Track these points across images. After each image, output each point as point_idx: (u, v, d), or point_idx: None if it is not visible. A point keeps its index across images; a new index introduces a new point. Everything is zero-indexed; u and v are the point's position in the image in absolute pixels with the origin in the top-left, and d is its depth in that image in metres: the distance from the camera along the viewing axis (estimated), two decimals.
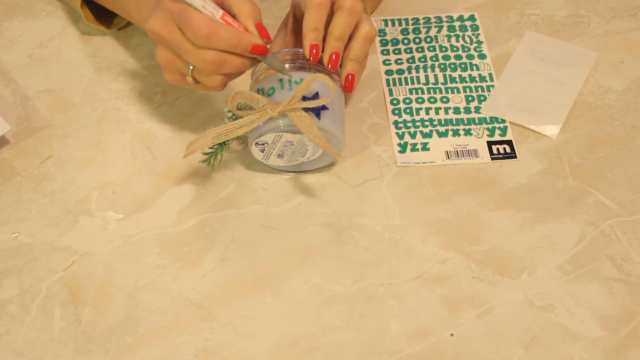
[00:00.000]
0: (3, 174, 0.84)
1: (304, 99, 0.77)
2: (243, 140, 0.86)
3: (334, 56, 0.78)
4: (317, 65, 0.79)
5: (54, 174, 0.84)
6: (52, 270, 0.78)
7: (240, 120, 0.77)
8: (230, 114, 0.80)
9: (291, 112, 0.76)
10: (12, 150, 0.86)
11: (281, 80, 0.78)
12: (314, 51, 0.78)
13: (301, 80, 0.76)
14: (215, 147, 0.81)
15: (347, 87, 0.81)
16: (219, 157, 0.82)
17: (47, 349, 0.73)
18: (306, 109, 0.76)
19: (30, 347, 0.73)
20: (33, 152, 0.86)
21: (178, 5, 0.74)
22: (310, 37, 0.78)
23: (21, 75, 0.92)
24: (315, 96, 0.77)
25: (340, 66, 0.81)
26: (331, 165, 0.84)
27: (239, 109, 0.78)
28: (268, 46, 0.76)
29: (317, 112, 0.77)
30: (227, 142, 0.81)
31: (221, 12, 0.75)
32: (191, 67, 0.77)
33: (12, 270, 0.78)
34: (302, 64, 0.79)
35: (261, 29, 0.76)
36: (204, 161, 0.82)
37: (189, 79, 0.77)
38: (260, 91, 0.79)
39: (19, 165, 0.85)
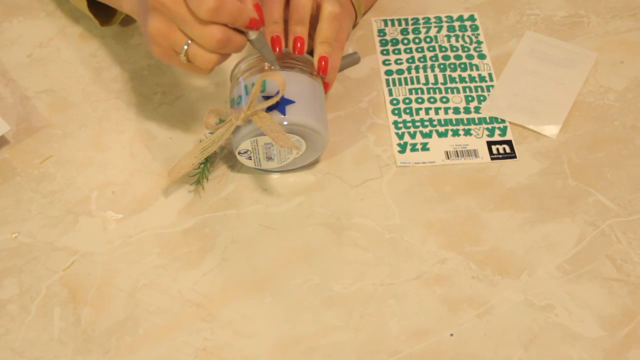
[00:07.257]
0: (3, 174, 0.84)
1: (267, 98, 0.76)
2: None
3: (299, 44, 0.78)
4: (294, 61, 0.79)
5: (53, 174, 0.84)
6: (52, 270, 0.78)
7: (212, 136, 0.78)
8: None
9: (253, 115, 0.75)
10: (12, 150, 0.86)
11: (245, 86, 0.78)
12: (278, 42, 0.78)
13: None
14: (201, 165, 0.81)
15: (322, 71, 0.80)
16: (205, 173, 0.82)
17: (47, 349, 0.73)
18: (272, 107, 0.76)
19: (30, 347, 0.73)
20: (33, 152, 0.86)
21: None
22: (270, 30, 0.78)
23: (21, 75, 0.92)
24: (278, 94, 0.76)
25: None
26: (317, 161, 0.83)
27: (217, 124, 0.78)
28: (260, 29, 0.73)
29: (282, 108, 0.76)
30: (209, 159, 0.82)
31: None
32: (185, 47, 0.72)
33: (12, 270, 0.78)
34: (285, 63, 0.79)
35: (259, 9, 0.73)
36: (194, 183, 0.82)
37: (182, 57, 0.72)
38: (232, 101, 0.79)
39: (19, 165, 0.85)
